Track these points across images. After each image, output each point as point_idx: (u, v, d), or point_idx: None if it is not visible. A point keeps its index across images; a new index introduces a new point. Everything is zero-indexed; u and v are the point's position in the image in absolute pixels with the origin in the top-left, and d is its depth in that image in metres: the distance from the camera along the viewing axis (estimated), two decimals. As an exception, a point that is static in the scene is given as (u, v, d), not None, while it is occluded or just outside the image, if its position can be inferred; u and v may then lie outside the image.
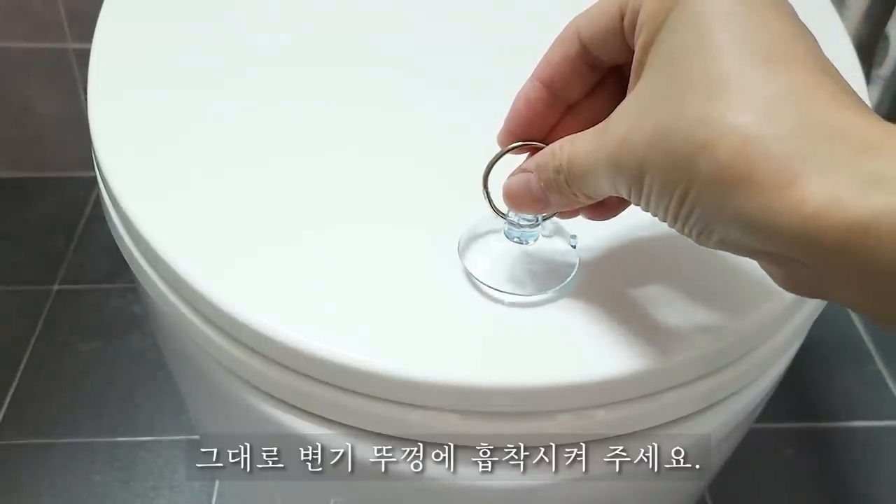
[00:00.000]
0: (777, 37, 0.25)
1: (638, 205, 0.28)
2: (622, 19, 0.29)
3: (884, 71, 0.82)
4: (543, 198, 0.31)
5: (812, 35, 0.26)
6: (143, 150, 0.40)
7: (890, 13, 0.80)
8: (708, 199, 0.24)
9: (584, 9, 0.30)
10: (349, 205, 0.38)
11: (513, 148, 0.33)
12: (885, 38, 0.81)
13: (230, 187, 0.39)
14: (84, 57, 0.46)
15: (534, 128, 0.32)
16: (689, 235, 0.26)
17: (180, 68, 0.45)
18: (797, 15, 0.27)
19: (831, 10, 0.51)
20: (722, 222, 0.24)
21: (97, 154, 0.40)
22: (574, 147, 0.29)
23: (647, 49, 0.27)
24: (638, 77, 0.28)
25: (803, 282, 0.25)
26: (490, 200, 0.33)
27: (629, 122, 0.27)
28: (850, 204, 0.21)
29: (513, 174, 0.32)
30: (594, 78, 0.31)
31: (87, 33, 0.48)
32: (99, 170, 0.40)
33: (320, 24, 0.49)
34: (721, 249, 0.26)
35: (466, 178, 0.37)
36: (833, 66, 0.25)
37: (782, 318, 0.35)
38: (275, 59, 0.46)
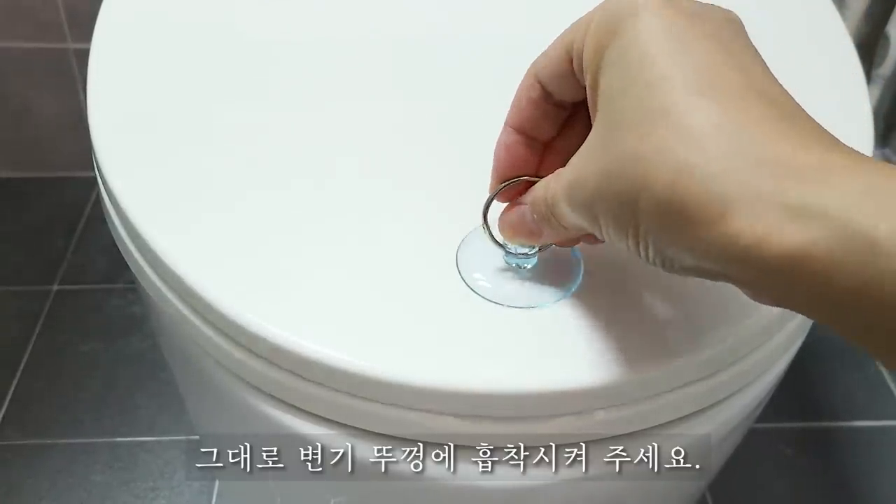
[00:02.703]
0: (709, 68, 0.25)
1: (604, 240, 0.28)
2: (571, 62, 0.29)
3: (884, 71, 0.82)
4: (537, 230, 0.32)
5: (757, 60, 0.26)
6: (142, 150, 0.40)
7: (890, 13, 0.80)
8: (657, 233, 0.25)
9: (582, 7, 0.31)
10: (350, 205, 0.38)
11: (505, 186, 0.33)
12: (885, 38, 0.81)
13: (230, 187, 0.38)
14: (84, 57, 0.46)
15: (520, 170, 0.33)
16: (656, 266, 0.26)
17: (180, 68, 0.45)
18: (740, 39, 0.27)
19: (832, 10, 0.51)
20: (677, 252, 0.25)
21: (97, 154, 0.40)
22: (552, 184, 0.30)
23: (593, 90, 0.28)
24: (594, 117, 0.28)
25: (771, 298, 0.25)
26: (490, 233, 0.34)
27: (576, 166, 0.28)
28: (778, 239, 0.22)
29: (509, 207, 0.33)
30: (562, 115, 0.32)
31: (87, 33, 0.48)
32: (99, 170, 0.40)
33: (320, 23, 0.49)
34: (689, 276, 0.26)
35: (467, 179, 0.37)
36: (778, 90, 0.26)
37: (782, 319, 0.35)
38: (275, 58, 0.46)
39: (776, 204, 0.22)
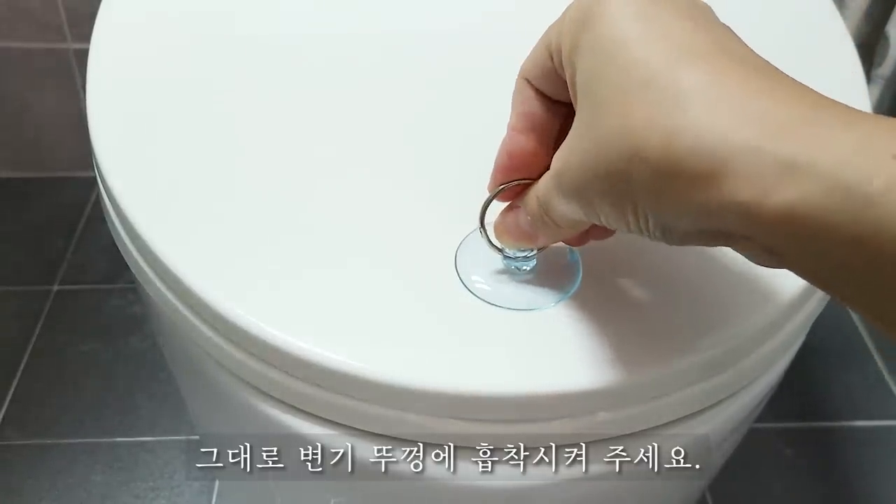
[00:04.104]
0: (684, 41, 0.25)
1: (601, 225, 0.28)
2: (552, 60, 0.30)
3: (884, 71, 0.82)
4: (532, 232, 0.32)
5: (731, 34, 0.27)
6: (142, 150, 0.40)
7: (890, 13, 0.80)
8: (655, 202, 0.25)
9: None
10: (350, 207, 0.38)
11: (502, 189, 0.33)
12: (885, 38, 0.81)
13: (230, 187, 0.38)
14: (84, 57, 0.46)
15: (522, 174, 0.33)
16: (657, 239, 0.26)
17: (179, 68, 0.45)
18: (710, 16, 0.27)
19: (832, 10, 0.51)
20: (675, 219, 0.25)
21: (97, 154, 0.40)
22: (542, 185, 0.30)
23: (572, 82, 0.28)
24: (576, 108, 0.28)
25: (770, 259, 0.25)
26: (487, 237, 0.34)
27: (562, 155, 0.28)
28: (773, 194, 0.22)
29: (505, 210, 0.33)
30: (560, 111, 0.32)
31: (87, 33, 0.48)
32: (98, 170, 0.40)
33: (321, 21, 0.49)
34: (692, 244, 0.26)
35: (466, 180, 0.37)
36: (757, 57, 0.26)
37: (782, 319, 0.35)
38: (275, 57, 0.46)
39: (769, 159, 0.22)
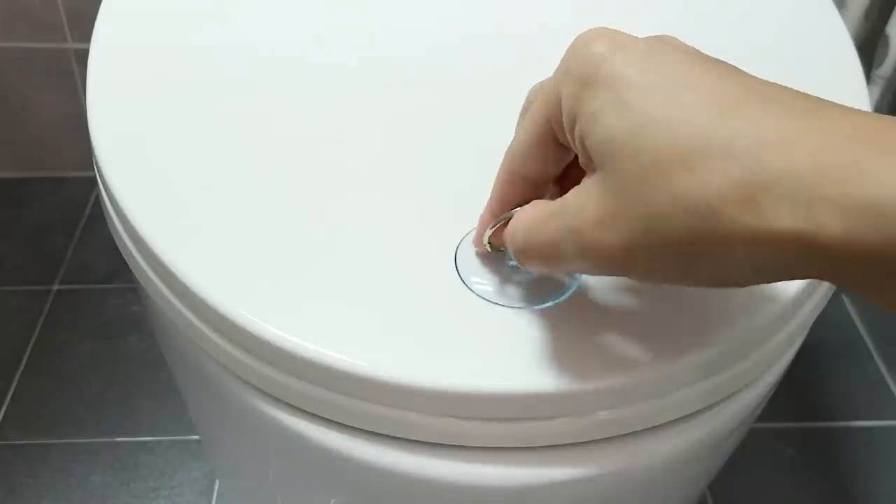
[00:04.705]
0: (706, 85, 0.25)
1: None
2: (548, 140, 0.30)
3: (884, 71, 0.82)
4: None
5: (725, 65, 0.27)
6: (142, 150, 0.40)
7: (890, 13, 0.80)
8: (741, 255, 0.24)
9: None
10: (349, 206, 0.38)
11: (499, 223, 0.33)
12: (885, 38, 0.81)
13: (230, 187, 0.38)
14: (84, 57, 0.46)
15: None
16: (719, 285, 0.26)
17: (179, 68, 0.45)
18: (696, 56, 0.27)
19: (832, 10, 0.51)
20: (756, 275, 0.25)
21: (97, 154, 0.40)
22: (529, 229, 0.29)
23: (583, 147, 0.27)
24: (591, 168, 0.28)
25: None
26: (489, 248, 0.34)
27: (606, 212, 0.26)
28: (862, 238, 0.22)
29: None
30: (543, 190, 0.32)
31: (87, 33, 0.48)
32: (99, 170, 0.40)
33: (322, 22, 0.49)
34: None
35: (465, 180, 0.37)
36: (774, 88, 0.26)
37: (782, 319, 0.35)
38: (276, 57, 0.46)
39: (845, 201, 0.22)
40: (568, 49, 0.28)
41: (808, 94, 0.25)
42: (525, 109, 0.33)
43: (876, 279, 0.23)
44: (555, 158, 0.30)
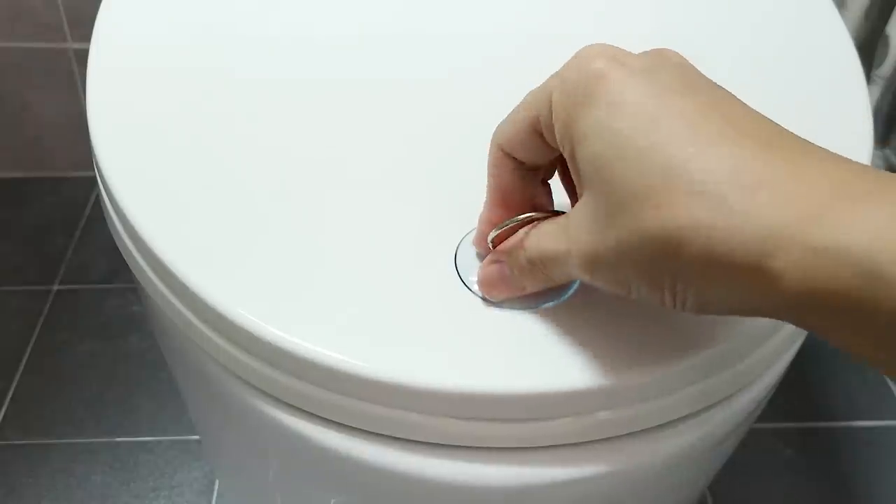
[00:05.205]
0: (692, 115, 0.26)
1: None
2: (538, 135, 0.30)
3: (884, 71, 0.82)
4: (519, 284, 0.32)
5: (722, 92, 0.27)
6: (143, 150, 0.40)
7: (890, 13, 0.80)
8: (696, 288, 0.25)
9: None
10: (349, 206, 0.38)
11: (506, 226, 0.33)
12: (885, 38, 0.81)
13: (230, 187, 0.38)
14: (84, 57, 0.46)
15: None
16: (689, 312, 0.27)
17: (179, 67, 0.45)
18: (695, 77, 0.28)
19: (832, 10, 0.51)
20: (717, 301, 0.26)
21: (97, 154, 0.40)
22: (541, 243, 0.31)
23: (573, 160, 0.28)
24: (579, 184, 0.29)
25: (813, 329, 0.25)
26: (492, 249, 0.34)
27: (588, 240, 0.28)
28: (815, 280, 0.22)
29: (486, 264, 0.34)
30: (542, 173, 0.33)
31: (87, 33, 0.48)
32: (99, 170, 0.40)
33: (322, 22, 0.49)
34: (723, 315, 0.27)
35: (465, 181, 0.37)
36: (760, 119, 0.26)
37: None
38: (276, 57, 0.46)
39: (813, 246, 0.22)
40: (570, 59, 0.29)
41: (791, 133, 0.26)
42: None
43: (830, 326, 0.23)
44: (541, 150, 0.31)
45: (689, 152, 0.25)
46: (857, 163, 0.24)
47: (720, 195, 0.24)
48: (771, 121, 0.26)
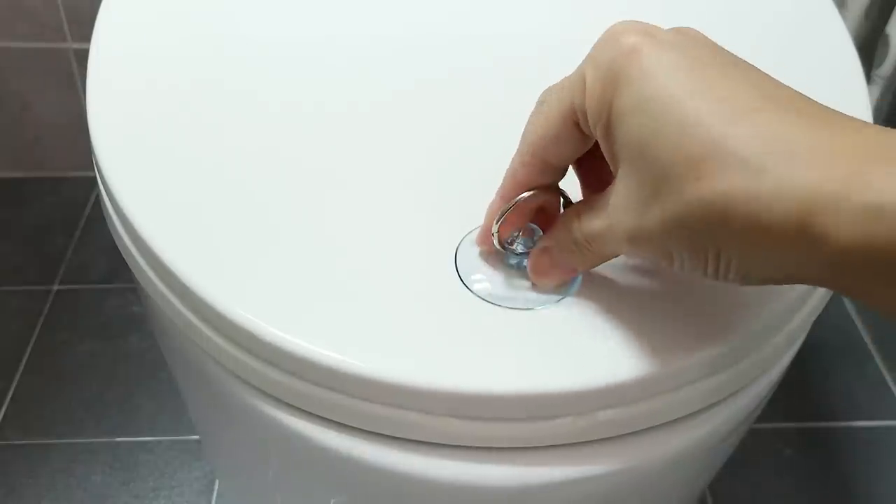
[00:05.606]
0: (727, 89, 0.26)
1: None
2: (572, 126, 0.30)
3: (884, 71, 0.82)
4: (569, 267, 0.33)
5: (746, 64, 0.27)
6: (143, 150, 0.40)
7: (890, 13, 0.80)
8: (741, 256, 0.26)
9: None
10: (349, 206, 0.38)
11: (511, 207, 0.33)
12: (885, 38, 0.81)
13: (230, 187, 0.38)
14: (84, 57, 0.46)
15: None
16: (732, 282, 0.27)
17: (180, 68, 0.45)
18: (718, 51, 0.28)
19: (832, 10, 0.51)
20: (761, 268, 0.26)
21: (97, 154, 0.40)
22: (584, 224, 0.31)
23: (608, 141, 0.29)
24: (614, 161, 0.29)
25: (848, 291, 0.26)
26: (495, 241, 0.34)
27: (631, 219, 0.28)
28: (863, 242, 0.23)
29: (534, 254, 0.34)
30: (560, 175, 0.33)
31: (87, 33, 0.48)
32: (99, 170, 0.40)
33: (322, 23, 0.49)
34: (765, 284, 0.27)
35: (465, 180, 0.37)
36: (786, 90, 0.27)
37: (782, 319, 0.35)
38: (276, 58, 0.46)
39: (850, 203, 0.23)
40: (599, 39, 0.29)
41: (817, 102, 0.26)
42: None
43: (875, 284, 0.23)
44: (575, 143, 0.31)
45: (726, 123, 0.25)
46: (884, 127, 0.25)
47: (760, 163, 0.24)
48: (797, 91, 0.27)
